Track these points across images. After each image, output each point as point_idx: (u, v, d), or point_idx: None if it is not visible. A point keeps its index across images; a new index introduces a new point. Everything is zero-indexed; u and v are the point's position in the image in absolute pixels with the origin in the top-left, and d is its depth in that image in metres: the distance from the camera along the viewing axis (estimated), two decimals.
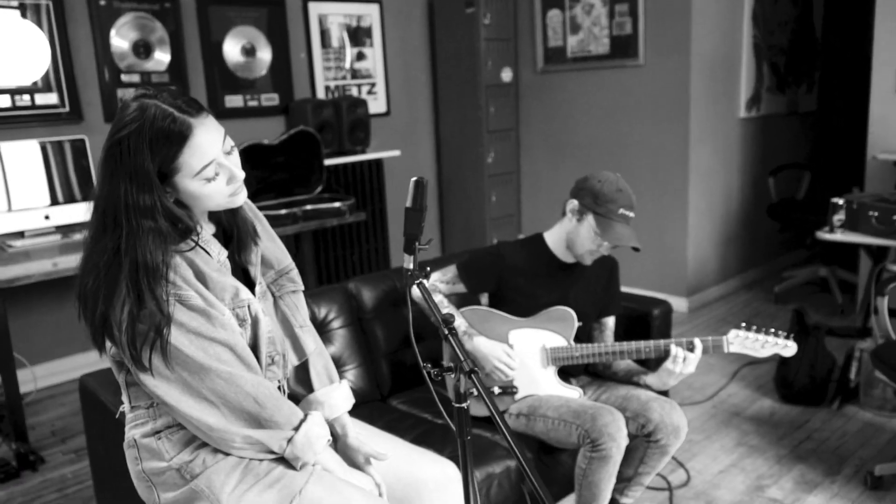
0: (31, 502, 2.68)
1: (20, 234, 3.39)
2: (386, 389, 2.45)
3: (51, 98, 3.58)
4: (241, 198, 1.37)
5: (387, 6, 4.85)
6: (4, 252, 3.32)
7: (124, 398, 1.44)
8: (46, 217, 3.39)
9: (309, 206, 3.76)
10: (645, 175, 4.48)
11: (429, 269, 1.37)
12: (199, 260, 1.34)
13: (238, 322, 1.38)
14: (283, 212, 3.68)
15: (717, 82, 4.38)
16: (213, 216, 1.44)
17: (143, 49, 3.82)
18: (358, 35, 4.74)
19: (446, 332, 1.22)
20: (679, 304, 4.41)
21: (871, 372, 2.96)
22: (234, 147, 1.34)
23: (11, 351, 2.95)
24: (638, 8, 4.31)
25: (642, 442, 2.08)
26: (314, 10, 4.50)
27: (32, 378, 3.64)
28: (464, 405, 1.20)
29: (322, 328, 2.35)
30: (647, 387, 2.18)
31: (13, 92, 3.47)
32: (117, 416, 1.51)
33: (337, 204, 3.81)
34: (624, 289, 2.40)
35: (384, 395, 2.45)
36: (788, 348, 2.06)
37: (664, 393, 2.43)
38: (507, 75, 4.93)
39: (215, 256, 1.38)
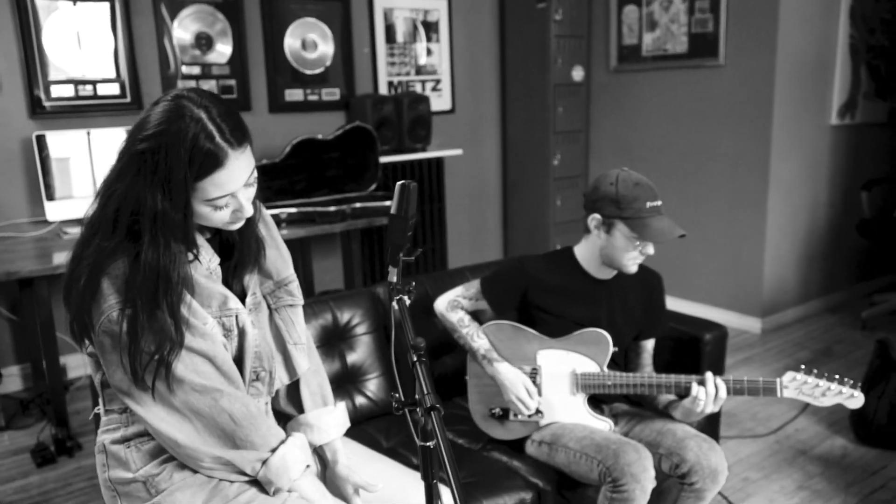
0: (62, 489, 2.70)
1: (78, 222, 3.46)
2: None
3: (113, 89, 3.62)
4: (237, 226, 1.29)
5: (455, 0, 4.71)
6: (60, 238, 3.38)
7: (100, 399, 1.37)
8: None
9: (359, 204, 3.67)
10: (721, 184, 4.17)
11: (413, 284, 1.23)
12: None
13: (223, 332, 1.28)
14: (332, 209, 3.60)
15: (806, 86, 4.02)
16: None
17: (204, 41, 3.83)
18: (424, 30, 4.63)
19: (415, 359, 1.08)
20: (752, 324, 4.08)
21: None
22: (256, 180, 1.26)
23: (55, 336, 2.99)
24: (720, 4, 4.01)
25: (675, 483, 1.86)
26: (379, 3, 4.42)
27: (83, 363, 3.71)
28: (429, 444, 1.05)
29: (344, 334, 2.24)
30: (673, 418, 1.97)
31: (77, 82, 3.53)
32: (90, 417, 1.44)
33: (388, 202, 3.70)
34: (689, 305, 2.18)
35: None
36: (855, 399, 1.80)
37: (711, 431, 2.19)
38: (578, 74, 4.71)
39: (205, 263, 1.29)
